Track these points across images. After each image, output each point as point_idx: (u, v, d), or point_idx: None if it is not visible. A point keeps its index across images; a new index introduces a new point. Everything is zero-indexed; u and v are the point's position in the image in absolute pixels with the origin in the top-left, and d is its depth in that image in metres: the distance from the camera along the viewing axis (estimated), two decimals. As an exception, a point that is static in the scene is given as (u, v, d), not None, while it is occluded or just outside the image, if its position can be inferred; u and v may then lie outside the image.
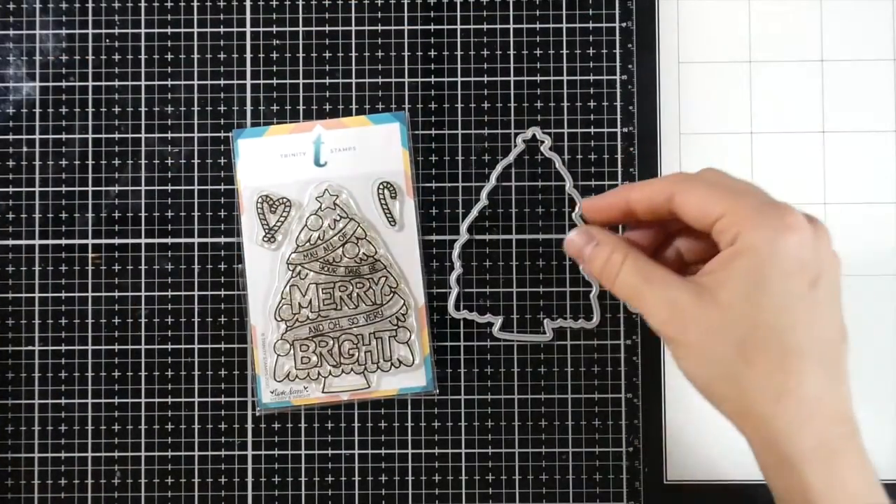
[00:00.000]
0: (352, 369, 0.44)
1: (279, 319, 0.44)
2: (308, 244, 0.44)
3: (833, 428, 0.30)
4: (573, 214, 0.45)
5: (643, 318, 0.33)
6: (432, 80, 0.45)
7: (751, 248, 0.30)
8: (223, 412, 0.45)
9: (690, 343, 0.31)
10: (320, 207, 0.44)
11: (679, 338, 0.31)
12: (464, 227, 0.45)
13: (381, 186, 0.45)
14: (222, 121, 0.45)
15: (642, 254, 0.34)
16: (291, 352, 0.44)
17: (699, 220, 0.32)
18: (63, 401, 0.45)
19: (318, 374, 0.44)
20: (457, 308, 0.45)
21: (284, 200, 0.44)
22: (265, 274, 0.44)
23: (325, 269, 0.44)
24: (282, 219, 0.44)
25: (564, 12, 0.45)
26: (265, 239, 0.44)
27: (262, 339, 0.44)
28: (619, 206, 0.35)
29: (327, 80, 0.46)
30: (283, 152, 0.45)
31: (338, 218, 0.44)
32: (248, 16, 0.46)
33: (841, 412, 0.31)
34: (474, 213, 0.45)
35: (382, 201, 0.45)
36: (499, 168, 0.45)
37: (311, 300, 0.44)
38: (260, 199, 0.44)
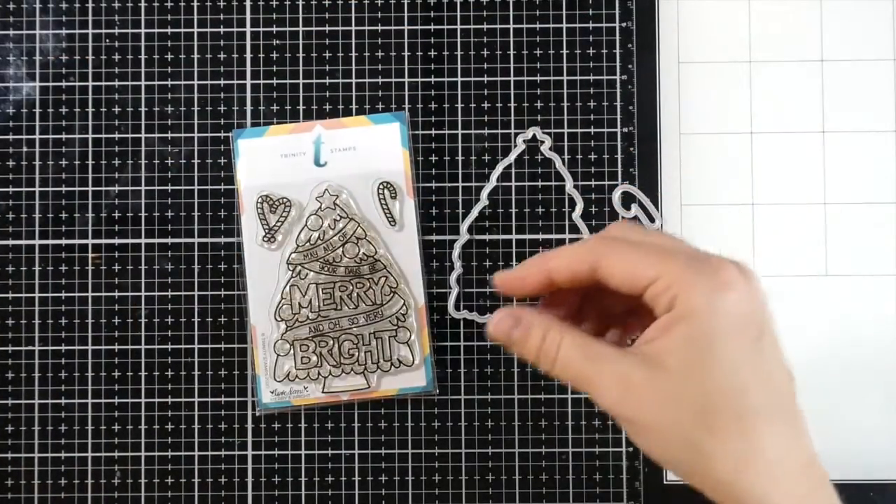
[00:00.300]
0: (352, 369, 0.44)
1: (279, 319, 0.44)
2: (308, 244, 0.44)
3: (802, 481, 0.29)
4: (573, 215, 0.45)
5: (591, 398, 0.31)
6: (432, 80, 0.45)
7: (692, 313, 0.28)
8: (223, 412, 0.45)
9: (647, 420, 0.29)
10: (320, 207, 0.44)
11: (635, 416, 0.29)
12: (464, 227, 0.45)
13: (381, 186, 0.45)
14: (222, 121, 0.45)
15: (578, 329, 0.31)
16: (291, 352, 0.44)
17: (629, 286, 0.30)
18: (63, 401, 0.45)
19: (318, 374, 0.44)
20: (457, 308, 0.45)
21: (284, 200, 0.44)
22: (265, 274, 0.44)
23: (326, 269, 0.44)
24: (282, 219, 0.44)
25: (564, 12, 0.45)
26: (265, 239, 0.44)
27: (263, 339, 0.44)
28: (537, 278, 0.32)
29: (327, 80, 0.46)
30: (284, 152, 0.45)
31: (338, 218, 0.44)
32: (248, 16, 0.46)
33: (807, 462, 0.30)
34: (474, 213, 0.45)
35: (382, 201, 0.45)
36: (499, 168, 0.45)
37: (311, 300, 0.44)
38: (260, 199, 0.44)
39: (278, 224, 0.44)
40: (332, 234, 0.44)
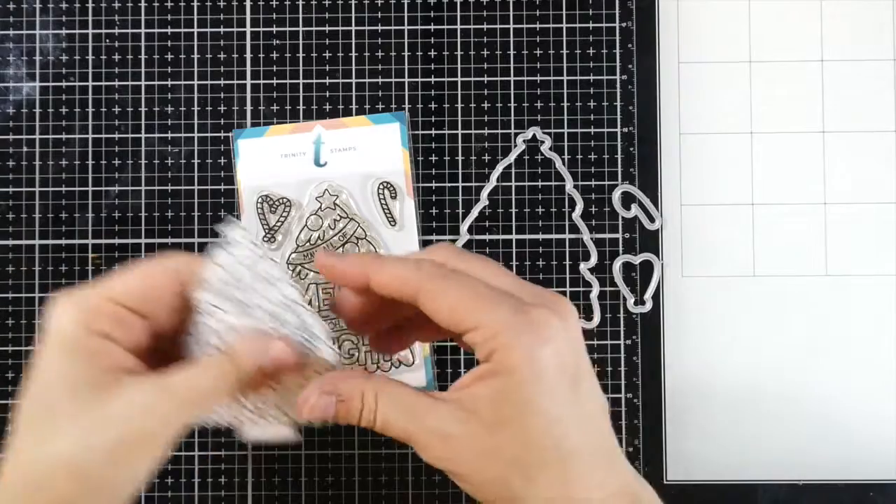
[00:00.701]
0: (352, 369, 0.44)
1: None
2: (308, 244, 0.44)
3: None
4: (573, 215, 0.45)
5: (416, 451, 0.30)
6: (432, 80, 0.45)
7: (508, 369, 0.28)
8: (223, 412, 0.45)
9: (466, 470, 0.29)
10: (320, 207, 0.44)
11: (454, 468, 0.29)
12: (464, 227, 0.45)
13: (381, 186, 0.45)
14: (222, 121, 0.45)
15: (394, 383, 0.31)
16: None
17: (448, 326, 0.29)
18: (63, 401, 0.45)
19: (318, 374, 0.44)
20: None
21: (284, 200, 0.44)
22: None
23: None
24: (282, 219, 0.44)
25: (564, 12, 0.45)
26: (265, 239, 0.44)
27: None
28: (356, 279, 0.31)
29: (327, 80, 0.46)
30: (284, 152, 0.45)
31: (338, 218, 0.44)
32: (248, 16, 0.46)
33: (624, 490, 0.30)
34: (474, 213, 0.45)
35: (382, 201, 0.45)
36: (499, 168, 0.45)
37: (311, 300, 0.44)
38: (260, 200, 0.44)
39: (278, 224, 0.44)
40: (332, 234, 0.44)
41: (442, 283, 0.30)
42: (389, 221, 0.45)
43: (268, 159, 0.45)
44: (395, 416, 0.30)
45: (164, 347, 0.33)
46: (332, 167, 0.45)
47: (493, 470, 0.29)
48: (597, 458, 0.30)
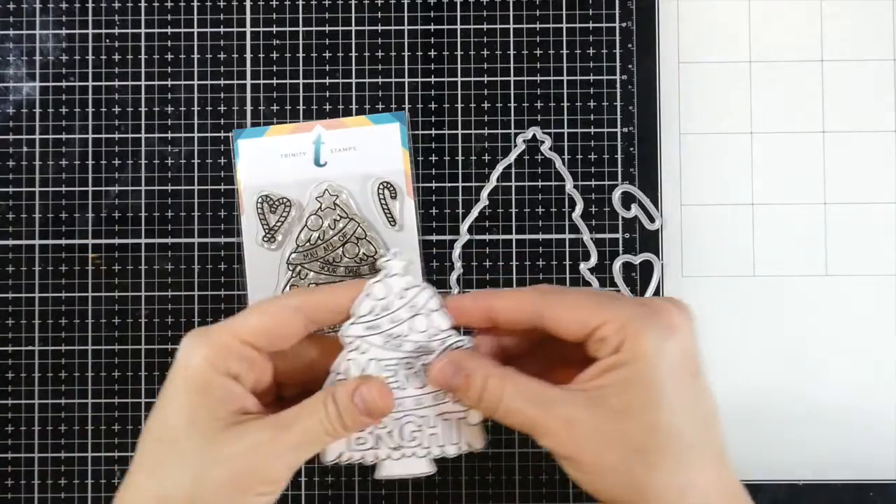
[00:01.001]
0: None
1: None
2: (308, 244, 0.44)
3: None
4: (573, 215, 0.45)
5: (533, 439, 0.31)
6: (432, 80, 0.45)
7: (638, 357, 0.29)
8: (223, 412, 0.45)
9: (588, 458, 0.30)
10: (320, 207, 0.44)
11: (577, 456, 0.30)
12: (464, 227, 0.45)
13: (381, 186, 0.45)
14: (222, 121, 0.45)
15: (519, 372, 0.31)
16: None
17: (574, 331, 0.31)
18: (63, 401, 0.45)
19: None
20: None
21: (284, 200, 0.44)
22: (265, 274, 0.44)
23: (326, 269, 0.44)
24: (282, 219, 0.44)
25: (564, 12, 0.45)
26: (265, 239, 0.44)
27: None
28: (478, 314, 0.33)
29: (327, 80, 0.46)
30: (284, 152, 0.45)
31: (338, 218, 0.44)
32: (248, 16, 0.46)
33: (733, 492, 0.32)
34: (475, 213, 0.45)
35: (382, 201, 0.45)
36: (499, 168, 0.45)
37: None
38: (260, 199, 0.44)
39: (278, 224, 0.44)
40: (332, 234, 0.44)
41: (564, 294, 0.31)
42: (389, 221, 0.45)
43: (268, 159, 0.45)
44: (522, 404, 0.31)
45: (288, 386, 0.34)
46: (333, 167, 0.45)
47: (615, 456, 0.30)
48: (710, 457, 0.31)
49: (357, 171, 0.45)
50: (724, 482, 0.31)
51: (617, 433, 0.30)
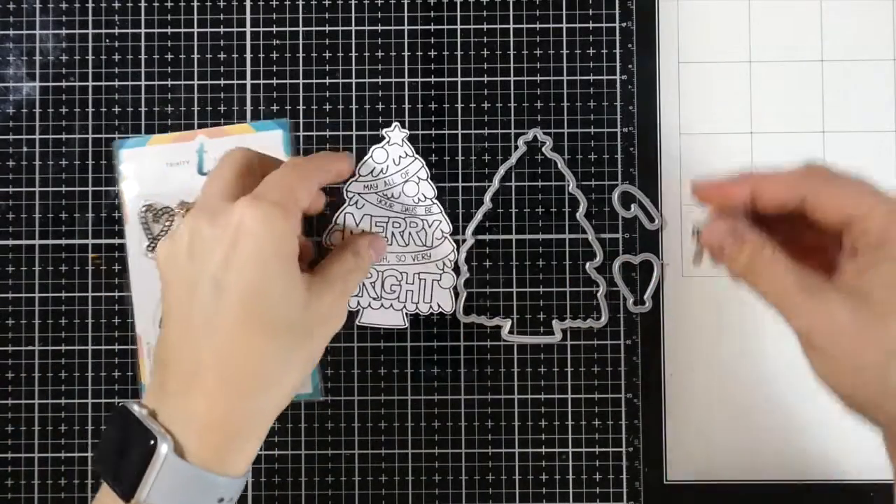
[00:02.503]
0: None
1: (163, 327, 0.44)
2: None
3: None
4: (577, 215, 0.45)
5: (780, 314, 0.32)
6: (432, 80, 0.45)
7: None
8: (223, 412, 0.45)
9: (841, 354, 0.30)
10: None
11: (830, 349, 0.30)
12: (469, 230, 0.45)
13: None
14: (222, 121, 0.45)
15: (790, 260, 0.32)
16: None
17: (835, 219, 0.31)
18: (63, 401, 0.45)
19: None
20: (465, 313, 0.45)
21: (168, 209, 0.44)
22: (149, 283, 0.44)
23: None
24: (165, 228, 0.44)
25: (564, 12, 0.45)
26: (149, 248, 0.44)
27: (149, 349, 0.44)
28: (739, 190, 0.33)
29: (327, 80, 0.45)
30: (168, 161, 0.45)
31: None
32: (248, 16, 0.46)
33: None
34: (479, 216, 0.45)
35: None
36: (501, 171, 0.45)
37: None
38: (143, 209, 0.44)
39: (162, 233, 0.44)
40: None
41: (833, 180, 0.31)
42: None
43: (152, 168, 0.45)
44: (789, 284, 0.31)
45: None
46: None
47: (871, 356, 0.29)
48: None
49: None
50: None
51: (877, 332, 0.29)
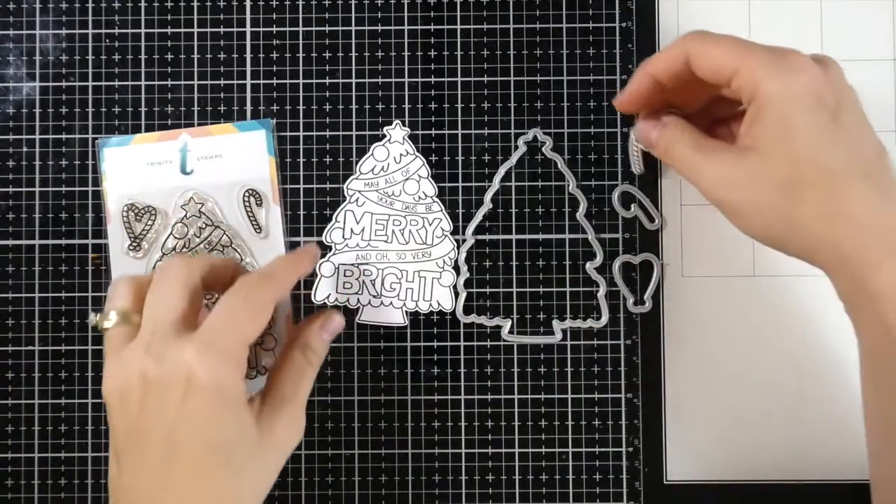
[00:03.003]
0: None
1: None
2: (174, 252, 0.44)
3: (892, 238, 0.32)
4: (577, 215, 0.45)
5: (694, 185, 0.36)
6: (432, 80, 0.45)
7: (769, 99, 0.32)
8: (223, 412, 0.45)
9: (741, 199, 0.34)
10: (186, 216, 0.44)
11: (729, 197, 0.34)
12: (469, 230, 0.45)
13: (247, 194, 0.44)
14: (222, 121, 0.45)
15: (694, 128, 0.37)
16: None
17: (716, 79, 0.34)
18: (63, 401, 0.45)
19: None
20: (465, 313, 0.45)
21: (150, 209, 0.44)
22: None
23: None
24: (147, 227, 0.44)
25: (564, 12, 0.45)
26: (131, 248, 0.44)
27: None
28: (646, 85, 0.37)
29: (327, 80, 0.45)
30: (150, 160, 0.45)
31: (203, 226, 0.44)
32: (248, 16, 0.46)
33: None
34: (479, 216, 0.45)
35: (248, 209, 0.44)
36: (501, 171, 0.45)
37: None
38: (125, 208, 0.44)
39: (144, 232, 0.44)
40: (197, 241, 0.44)
41: (704, 43, 0.35)
42: (255, 229, 0.45)
43: (134, 168, 0.45)
44: (686, 149, 0.36)
45: None
46: (199, 175, 0.45)
47: (764, 195, 0.33)
48: (863, 184, 0.32)
49: (223, 179, 0.45)
50: (888, 212, 0.32)
51: (763, 172, 0.33)
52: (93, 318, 0.37)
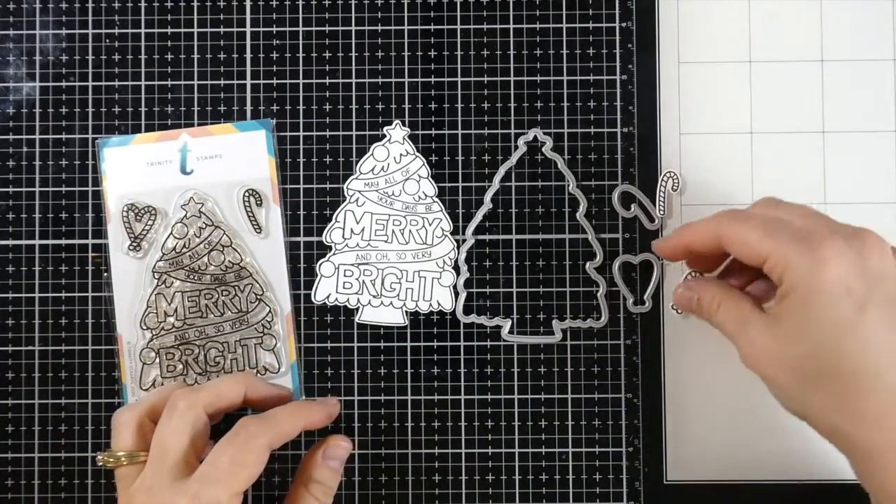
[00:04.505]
0: (218, 377, 0.44)
1: (145, 328, 0.44)
2: (174, 252, 0.44)
3: None
4: (577, 215, 0.45)
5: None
6: (432, 80, 0.45)
7: (793, 287, 0.33)
8: (223, 412, 0.45)
9: (766, 374, 0.34)
10: (186, 215, 0.44)
11: (757, 370, 0.35)
12: (469, 230, 0.45)
13: (247, 194, 0.44)
14: (222, 121, 0.45)
15: (733, 291, 0.37)
16: (157, 360, 0.44)
17: (749, 261, 0.35)
18: (63, 401, 0.45)
19: (185, 381, 0.44)
20: (465, 313, 0.45)
21: (150, 209, 0.44)
22: (131, 283, 0.44)
23: (191, 277, 0.44)
24: (147, 227, 0.44)
25: (564, 12, 0.45)
26: (131, 247, 0.44)
27: (129, 348, 0.44)
28: (680, 247, 0.39)
29: (327, 80, 0.46)
30: (150, 160, 0.45)
31: (203, 226, 0.44)
32: (248, 16, 0.46)
33: None
34: (479, 216, 0.45)
35: (248, 209, 0.44)
36: (501, 171, 0.45)
37: (176, 308, 0.44)
38: (125, 208, 0.44)
39: (144, 232, 0.44)
40: (197, 241, 0.44)
41: (736, 224, 0.35)
42: (255, 229, 0.45)
43: (134, 167, 0.45)
44: (728, 320, 0.37)
45: None
46: (199, 175, 0.45)
47: (785, 375, 0.34)
48: (879, 385, 0.32)
49: (223, 179, 0.45)
50: None
51: (785, 355, 0.33)
52: (101, 459, 0.38)
